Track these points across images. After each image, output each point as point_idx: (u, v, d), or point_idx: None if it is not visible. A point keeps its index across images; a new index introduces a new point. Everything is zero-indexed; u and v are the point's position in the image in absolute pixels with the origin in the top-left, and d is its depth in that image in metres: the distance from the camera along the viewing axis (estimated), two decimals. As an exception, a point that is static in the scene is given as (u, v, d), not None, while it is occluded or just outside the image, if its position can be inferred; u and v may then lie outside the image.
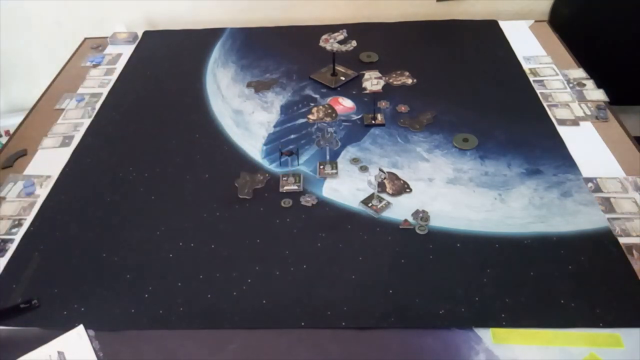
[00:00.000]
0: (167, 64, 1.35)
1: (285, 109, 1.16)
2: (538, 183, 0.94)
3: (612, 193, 0.91)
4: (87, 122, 1.15)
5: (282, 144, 1.05)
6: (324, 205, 0.92)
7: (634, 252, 0.81)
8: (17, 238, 0.89)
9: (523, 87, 1.18)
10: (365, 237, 0.86)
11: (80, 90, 1.26)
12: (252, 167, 1.01)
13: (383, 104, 1.15)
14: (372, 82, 1.07)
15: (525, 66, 1.25)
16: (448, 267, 0.80)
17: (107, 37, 1.47)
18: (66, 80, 1.32)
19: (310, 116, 1.01)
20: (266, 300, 0.77)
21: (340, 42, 1.15)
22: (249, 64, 1.33)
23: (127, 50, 1.41)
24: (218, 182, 0.98)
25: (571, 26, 1.46)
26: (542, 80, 1.20)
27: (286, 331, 0.73)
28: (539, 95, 1.15)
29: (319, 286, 0.79)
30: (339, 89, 1.21)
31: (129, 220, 0.91)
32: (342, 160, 1.01)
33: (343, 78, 1.23)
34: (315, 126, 1.08)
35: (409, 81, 1.21)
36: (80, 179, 1.00)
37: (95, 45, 1.46)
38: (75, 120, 1.16)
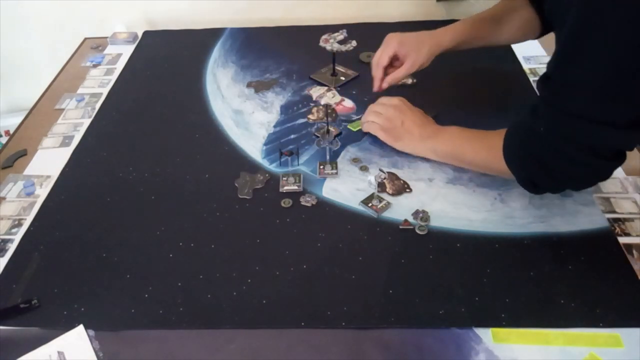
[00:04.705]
0: (167, 64, 1.35)
1: (285, 109, 1.16)
2: (538, 183, 0.94)
3: (612, 193, 0.91)
4: (87, 122, 1.15)
5: (282, 144, 1.05)
6: (324, 205, 0.92)
7: (634, 252, 0.81)
8: (17, 238, 0.89)
9: (523, 87, 1.18)
10: (365, 237, 0.86)
11: (80, 90, 1.26)
12: (252, 167, 1.01)
13: (383, 104, 1.15)
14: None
15: (525, 66, 1.25)
16: (448, 267, 0.80)
17: (107, 37, 1.46)
18: (66, 80, 1.32)
19: (310, 116, 1.01)
20: (266, 300, 0.77)
21: (340, 42, 1.15)
22: (249, 64, 1.33)
23: (127, 50, 1.41)
24: (218, 182, 0.98)
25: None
26: (542, 80, 1.20)
27: (286, 331, 0.73)
28: (539, 95, 1.15)
29: (319, 286, 0.79)
30: (339, 89, 1.21)
31: (129, 220, 0.91)
32: (342, 160, 1.01)
33: (343, 78, 1.24)
34: (315, 126, 1.08)
35: (409, 81, 1.21)
36: (80, 179, 1.00)
37: (95, 45, 1.46)
38: (75, 120, 1.16)
